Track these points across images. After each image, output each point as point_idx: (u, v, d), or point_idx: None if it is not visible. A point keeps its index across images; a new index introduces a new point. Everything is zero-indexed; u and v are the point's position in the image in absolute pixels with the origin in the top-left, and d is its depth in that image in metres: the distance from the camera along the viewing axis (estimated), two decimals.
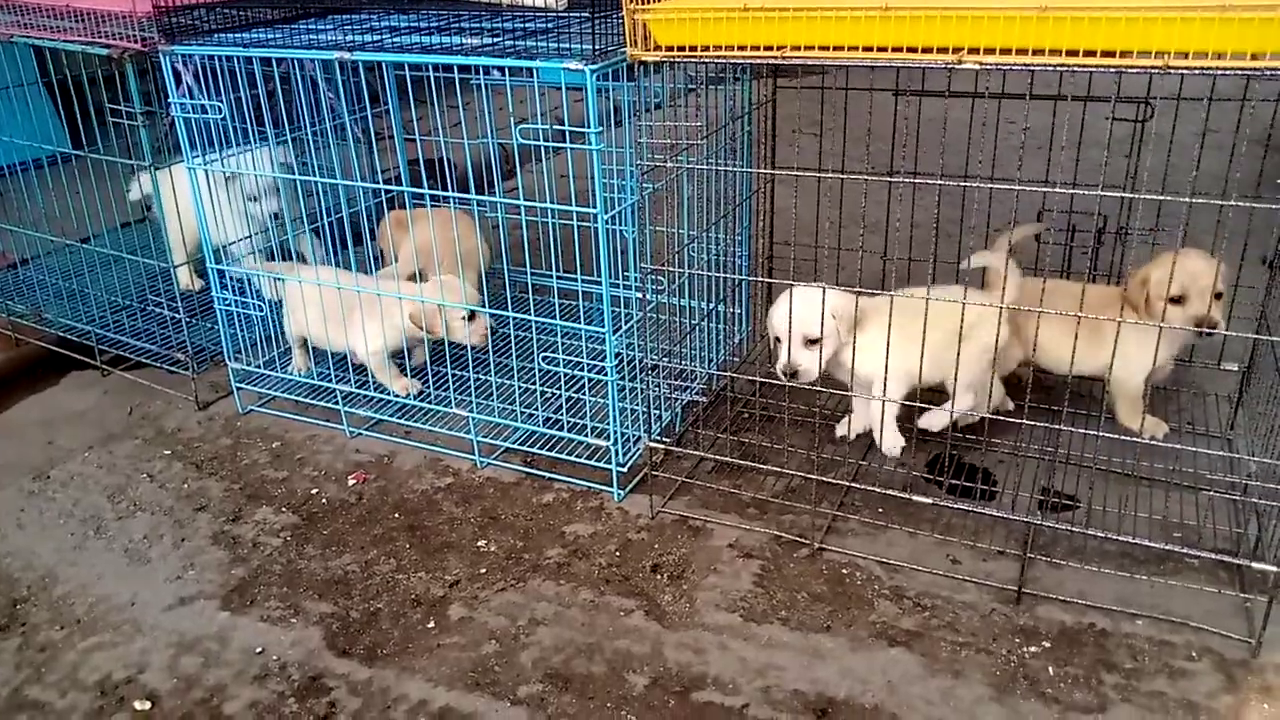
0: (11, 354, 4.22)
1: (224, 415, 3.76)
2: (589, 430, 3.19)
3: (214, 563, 2.94)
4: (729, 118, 3.26)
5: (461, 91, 3.60)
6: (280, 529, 3.09)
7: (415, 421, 3.54)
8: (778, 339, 3.03)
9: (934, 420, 3.10)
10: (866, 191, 3.10)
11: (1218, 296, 2.91)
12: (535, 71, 2.70)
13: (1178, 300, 2.95)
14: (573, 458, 3.26)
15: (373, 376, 3.58)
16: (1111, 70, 2.22)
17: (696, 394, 3.46)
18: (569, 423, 3.29)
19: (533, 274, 3.89)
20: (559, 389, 3.40)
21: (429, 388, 3.59)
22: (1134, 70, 2.19)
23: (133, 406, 3.87)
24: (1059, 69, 2.25)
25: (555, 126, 2.71)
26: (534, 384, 3.43)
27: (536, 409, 3.38)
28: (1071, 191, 2.96)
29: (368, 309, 3.45)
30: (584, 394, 3.41)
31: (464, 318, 3.36)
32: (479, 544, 2.99)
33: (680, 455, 3.28)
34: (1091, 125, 3.22)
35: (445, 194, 3.46)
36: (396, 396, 3.55)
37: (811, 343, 2.96)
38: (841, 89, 3.39)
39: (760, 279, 3.65)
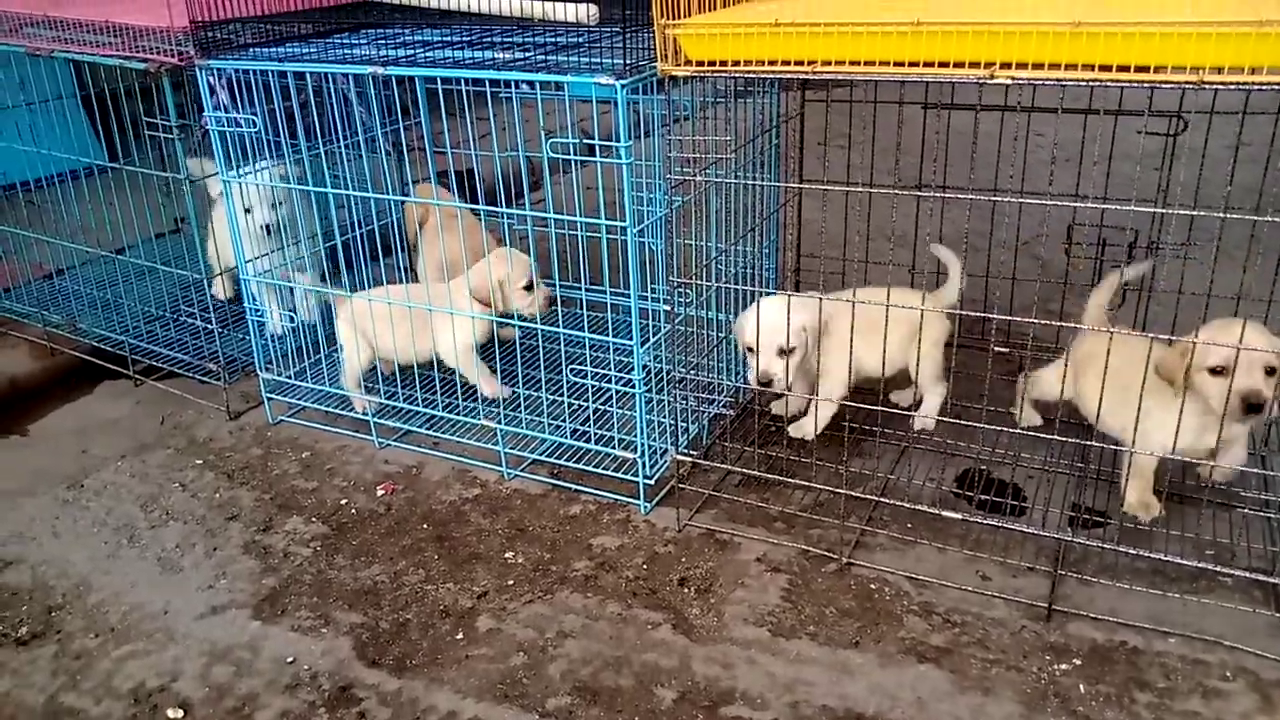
0: (46, 363, 4.27)
1: (255, 425, 3.80)
2: (616, 443, 3.20)
3: (245, 572, 2.97)
4: (757, 131, 3.26)
5: (492, 104, 3.63)
6: (310, 539, 3.11)
7: (443, 433, 3.56)
8: (749, 349, 3.11)
9: (928, 422, 3.33)
10: (895, 205, 3.10)
11: (1270, 373, 2.54)
12: (565, 86, 2.72)
13: (1218, 371, 2.58)
14: (599, 470, 3.26)
15: (458, 376, 3.60)
16: (1145, 85, 2.21)
17: (723, 407, 3.46)
18: (596, 435, 3.30)
19: (561, 286, 3.92)
20: (586, 401, 3.41)
21: (458, 399, 3.61)
22: (1168, 85, 2.18)
23: (165, 416, 3.92)
24: (1091, 84, 2.25)
25: (585, 140, 2.73)
26: (561, 396, 3.44)
27: (564, 421, 3.39)
28: (1103, 206, 2.94)
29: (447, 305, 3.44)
30: (611, 406, 3.42)
31: (524, 287, 3.40)
32: (506, 555, 3.00)
33: (707, 468, 3.28)
34: (1122, 139, 3.21)
35: (474, 206, 3.48)
36: (462, 415, 3.57)
37: (783, 352, 3.08)
38: (870, 102, 3.40)
39: (789, 293, 3.65)
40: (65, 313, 4.35)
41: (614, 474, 3.23)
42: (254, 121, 3.33)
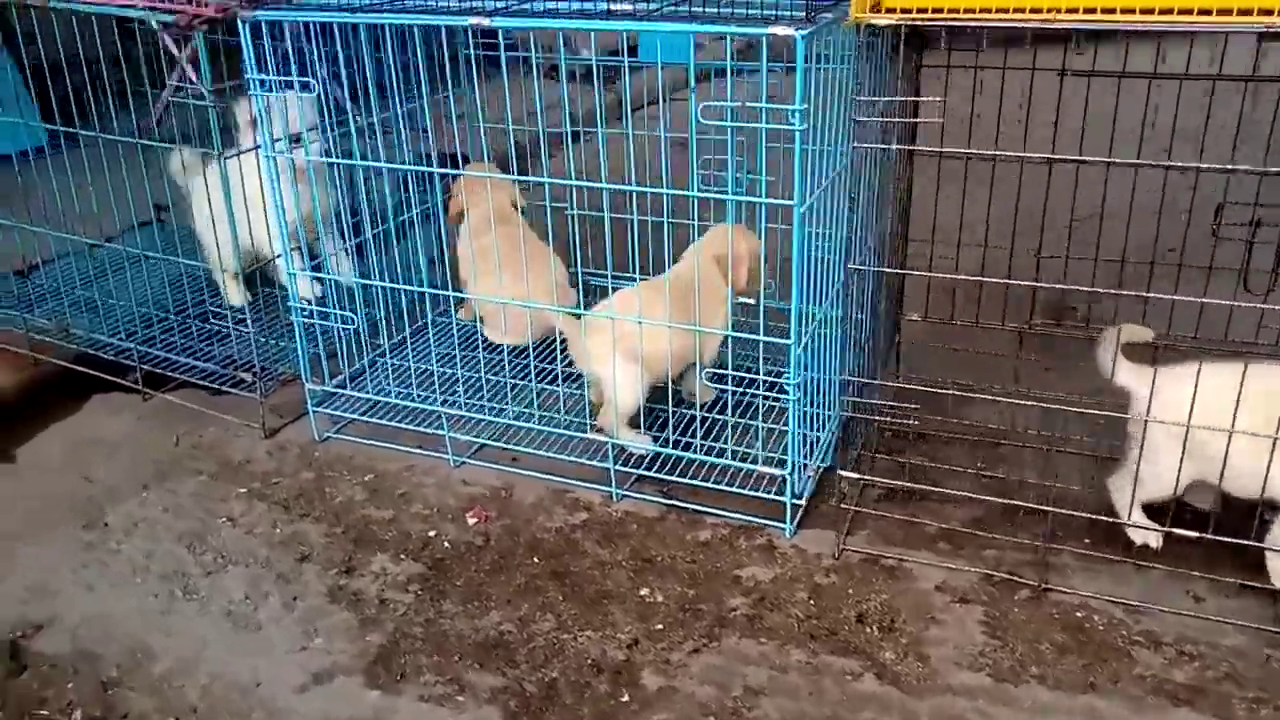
0: (27, 375, 3.66)
1: (297, 444, 3.28)
2: (760, 459, 2.80)
3: (341, 627, 2.49)
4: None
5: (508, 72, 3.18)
6: (406, 581, 2.64)
7: (528, 446, 3.10)
8: None
9: None
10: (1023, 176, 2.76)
11: None
12: (727, 37, 2.30)
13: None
14: (720, 486, 2.86)
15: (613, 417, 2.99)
16: None
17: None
18: (714, 447, 2.90)
19: None
20: (709, 411, 2.99)
21: (557, 411, 3.15)
22: None
23: (179, 436, 3.37)
24: None
25: (752, 104, 2.31)
26: (691, 408, 3.01)
27: (692, 432, 2.97)
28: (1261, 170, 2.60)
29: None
30: (727, 414, 3.01)
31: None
32: (641, 592, 2.58)
33: (844, 482, 2.90)
34: None
35: (585, 184, 2.96)
36: (559, 428, 3.09)
37: None
38: (1000, 69, 3.03)
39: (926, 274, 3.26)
40: (50, 314, 3.74)
41: (738, 490, 2.83)
42: (311, 85, 2.80)
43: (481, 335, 3.66)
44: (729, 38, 2.27)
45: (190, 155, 3.62)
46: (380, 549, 2.77)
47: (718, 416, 3.08)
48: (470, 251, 3.57)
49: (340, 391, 3.31)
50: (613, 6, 2.58)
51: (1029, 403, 2.76)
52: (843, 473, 2.67)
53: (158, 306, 3.76)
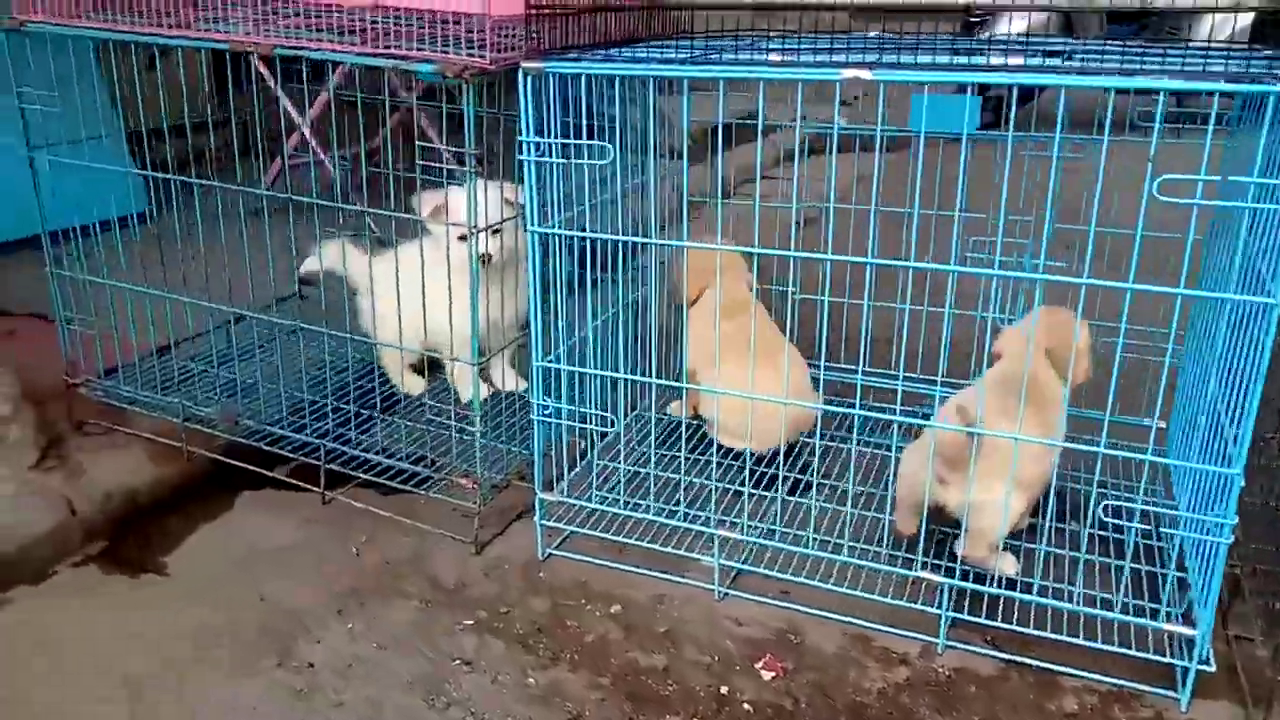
0: (174, 469, 3.12)
1: (516, 562, 2.75)
2: (1166, 614, 2.26)
3: None
4: None
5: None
6: None
7: (804, 576, 2.57)
8: None
9: None
10: None
11: None
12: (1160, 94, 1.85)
13: None
14: (1075, 639, 2.32)
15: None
16: None
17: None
18: (1061, 589, 2.38)
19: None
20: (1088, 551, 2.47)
21: (864, 541, 2.61)
22: None
23: (358, 546, 2.84)
24: None
25: (1237, 178, 1.86)
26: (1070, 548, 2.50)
27: (1072, 582, 2.43)
28: None
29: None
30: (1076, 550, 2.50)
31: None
32: None
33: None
34: None
35: (857, 260, 2.49)
36: (880, 562, 2.51)
37: None
38: None
39: None
40: (210, 400, 3.20)
41: (1087, 643, 2.28)
42: (606, 150, 2.34)
43: (706, 434, 3.16)
44: (1162, 94, 1.82)
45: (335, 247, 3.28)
46: (665, 709, 2.22)
47: (1056, 551, 2.55)
48: (708, 340, 3.08)
49: (566, 500, 2.79)
50: (994, 60, 2.14)
51: None
52: None
53: (316, 391, 3.20)
